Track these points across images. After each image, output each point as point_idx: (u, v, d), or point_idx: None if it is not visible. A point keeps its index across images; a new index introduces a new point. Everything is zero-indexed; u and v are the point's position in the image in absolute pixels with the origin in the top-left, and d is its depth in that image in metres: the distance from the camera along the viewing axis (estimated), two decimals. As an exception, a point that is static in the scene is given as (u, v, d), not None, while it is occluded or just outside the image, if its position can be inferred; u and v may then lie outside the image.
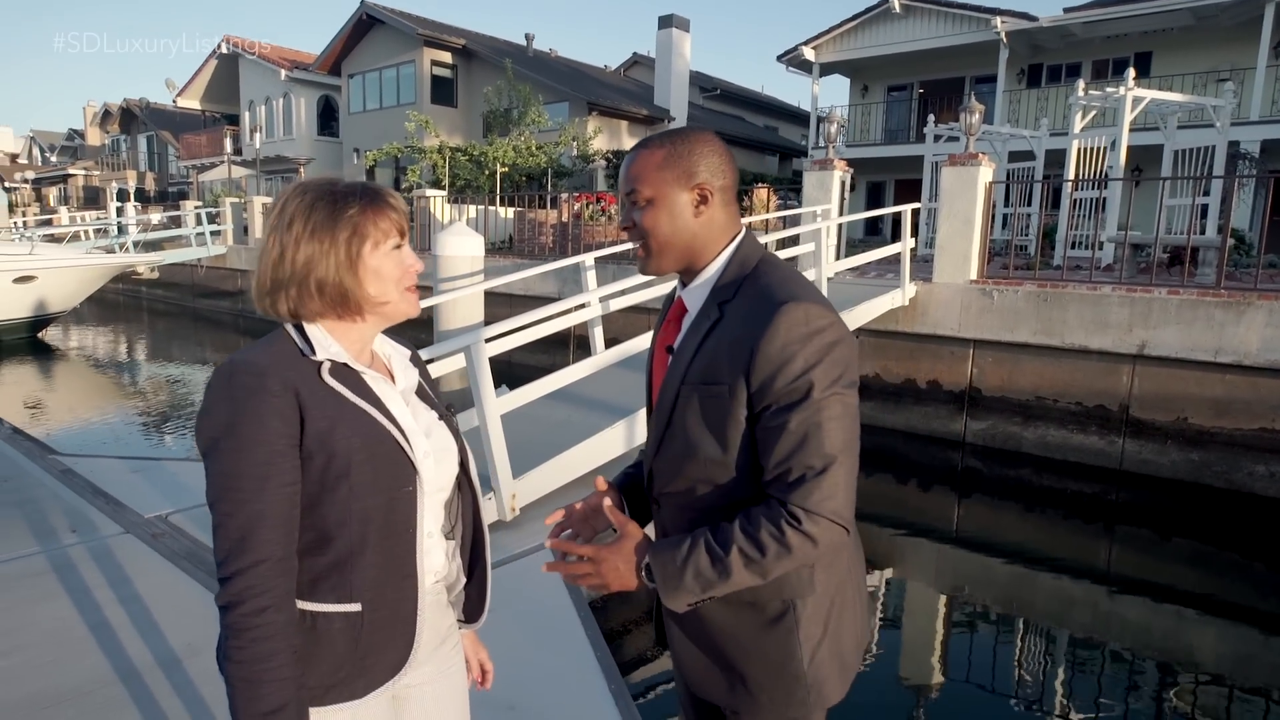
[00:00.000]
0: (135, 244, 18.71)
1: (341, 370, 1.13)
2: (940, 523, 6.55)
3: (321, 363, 1.11)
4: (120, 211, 22.69)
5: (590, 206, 12.67)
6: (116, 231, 19.72)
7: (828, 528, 1.09)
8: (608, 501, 1.26)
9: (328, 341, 1.14)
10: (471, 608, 1.37)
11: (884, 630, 4.49)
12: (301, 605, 1.10)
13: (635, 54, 29.53)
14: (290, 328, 1.14)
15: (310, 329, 1.14)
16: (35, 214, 30.10)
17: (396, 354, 1.28)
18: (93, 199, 34.37)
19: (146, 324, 18.37)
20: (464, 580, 1.34)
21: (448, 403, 1.33)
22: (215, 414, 1.04)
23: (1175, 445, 6.70)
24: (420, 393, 1.28)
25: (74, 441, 7.55)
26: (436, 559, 1.25)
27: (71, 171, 37.60)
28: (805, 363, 1.10)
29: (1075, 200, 10.14)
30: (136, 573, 3.26)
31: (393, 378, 1.23)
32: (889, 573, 5.43)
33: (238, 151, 26.11)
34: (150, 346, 15.08)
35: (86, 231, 20.20)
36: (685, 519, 1.24)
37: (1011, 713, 3.68)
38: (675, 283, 1.35)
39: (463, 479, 1.31)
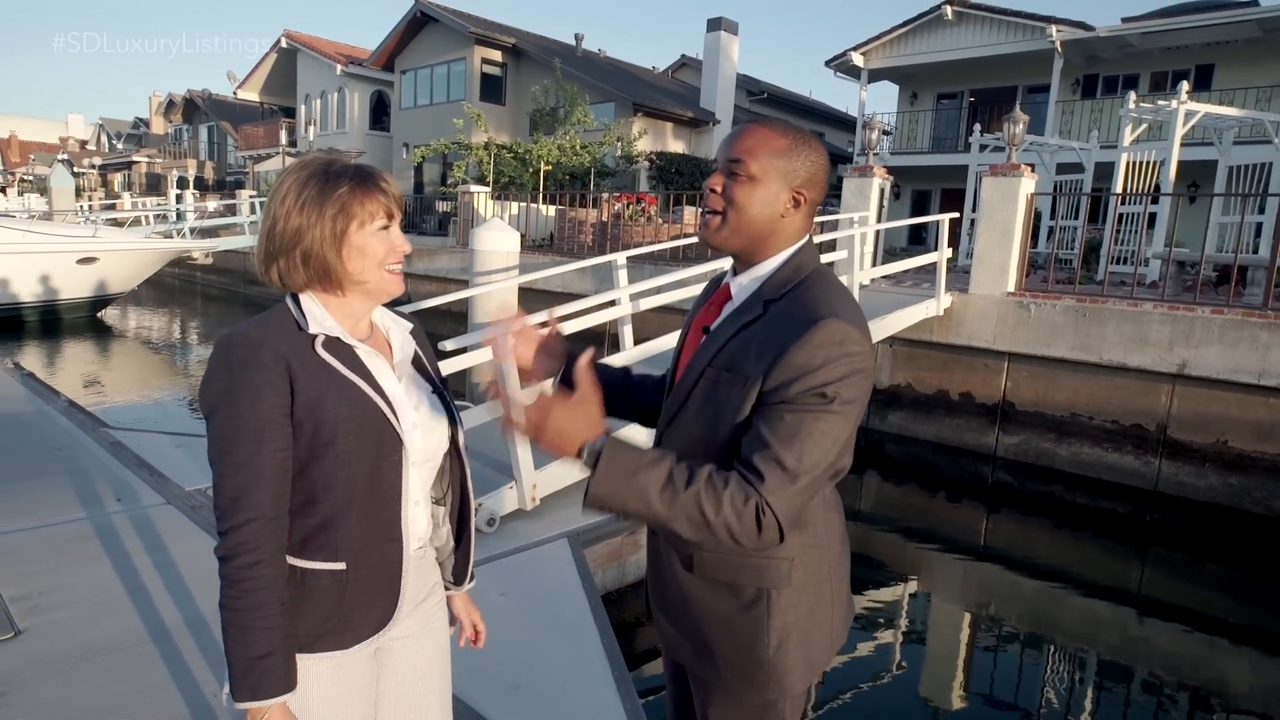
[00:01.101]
0: (192, 230, 19.37)
1: (334, 344, 1.21)
2: (968, 536, 6.49)
3: (315, 336, 1.19)
4: (179, 199, 23.54)
5: (631, 207, 12.77)
6: (175, 218, 20.44)
7: (772, 527, 1.10)
8: (588, 355, 1.20)
9: (322, 315, 1.21)
10: (459, 571, 1.44)
11: (906, 645, 4.48)
12: (293, 562, 1.19)
13: (684, 56, 29.58)
14: (289, 302, 1.23)
15: (306, 304, 1.22)
16: (100, 199, 31.34)
17: (396, 327, 1.35)
18: (154, 186, 35.60)
19: (199, 308, 19.01)
20: (453, 545, 1.42)
21: (444, 377, 1.42)
22: (214, 383, 1.14)
23: (1214, 468, 6.54)
24: (417, 365, 1.35)
25: (124, 416, 7.89)
26: (421, 525, 1.32)
27: (136, 159, 38.99)
28: (825, 377, 1.12)
29: (1121, 215, 9.91)
30: (174, 541, 3.43)
31: (391, 350, 1.31)
32: (914, 585, 5.40)
33: (293, 143, 26.83)
34: (201, 329, 15.61)
35: (147, 217, 20.97)
36: None
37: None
38: (709, 269, 1.39)
39: (453, 449, 1.38)
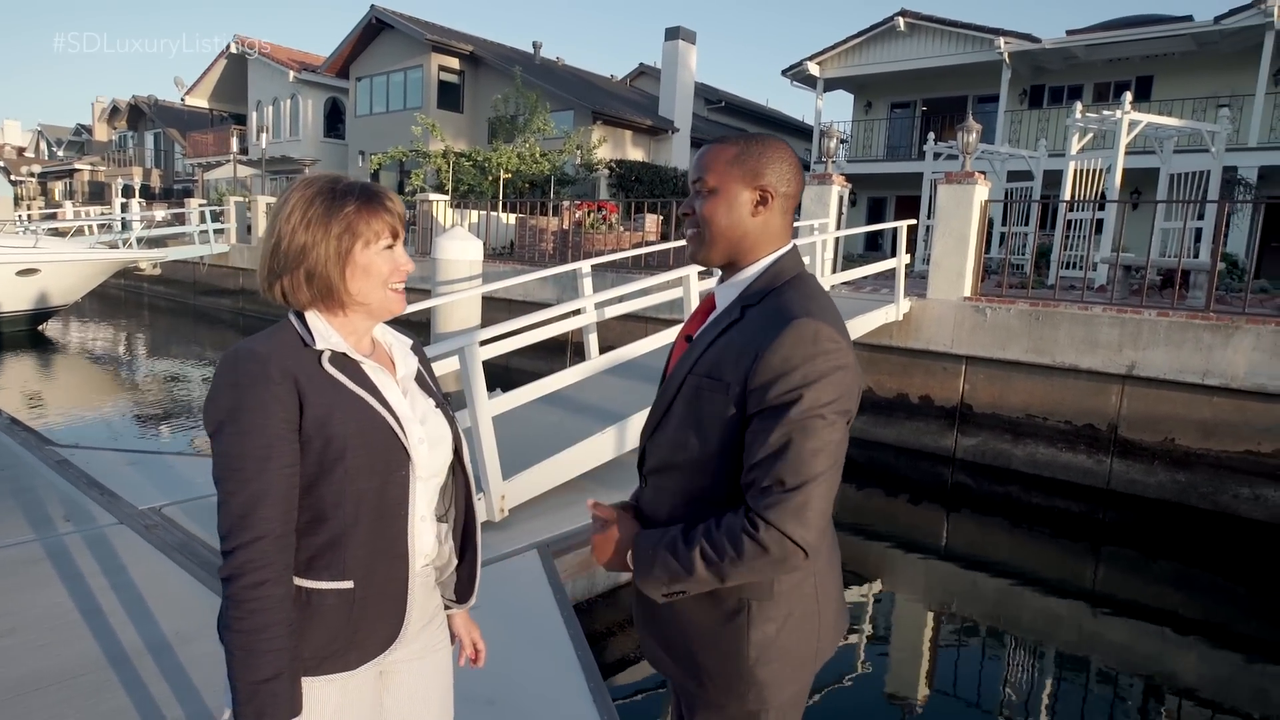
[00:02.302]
0: (139, 240, 18.81)
1: (341, 359, 1.20)
2: (929, 538, 6.59)
3: (322, 352, 1.18)
4: (125, 207, 22.84)
5: (592, 214, 12.77)
6: (120, 227, 19.83)
7: (781, 542, 1.10)
8: (591, 500, 1.36)
9: (328, 332, 1.20)
10: (462, 589, 1.43)
11: (869, 645, 4.52)
12: (298, 582, 1.17)
13: (641, 64, 29.74)
14: (293, 318, 1.21)
15: (311, 320, 1.20)
16: (40, 208, 30.27)
17: (398, 343, 1.35)
18: (98, 194, 34.51)
19: (147, 320, 18.45)
20: (455, 562, 1.41)
21: (446, 391, 1.40)
22: (221, 399, 1.11)
23: (1162, 466, 6.76)
24: (419, 381, 1.34)
25: (71, 433, 7.61)
26: (427, 541, 1.31)
27: (78, 166, 37.76)
28: (803, 378, 1.13)
29: (1070, 221, 10.23)
30: (129, 562, 3.31)
31: (394, 366, 1.30)
32: (876, 586, 5.47)
33: (244, 151, 26.28)
34: (149, 342, 15.15)
35: (91, 226, 20.29)
36: (664, 502, 1.31)
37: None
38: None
39: (456, 465, 1.37)
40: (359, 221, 1.18)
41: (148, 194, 31.84)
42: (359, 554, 1.19)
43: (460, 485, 1.39)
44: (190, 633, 2.74)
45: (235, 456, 1.09)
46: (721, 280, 1.36)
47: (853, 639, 4.52)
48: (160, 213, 21.66)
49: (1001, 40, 16.93)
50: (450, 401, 1.43)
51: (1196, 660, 4.60)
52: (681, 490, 1.28)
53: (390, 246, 1.22)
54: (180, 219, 20.68)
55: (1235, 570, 5.96)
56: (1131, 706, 4.04)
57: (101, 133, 40.26)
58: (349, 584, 1.19)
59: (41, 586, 3.05)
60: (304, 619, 1.17)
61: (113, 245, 17.75)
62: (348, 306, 1.21)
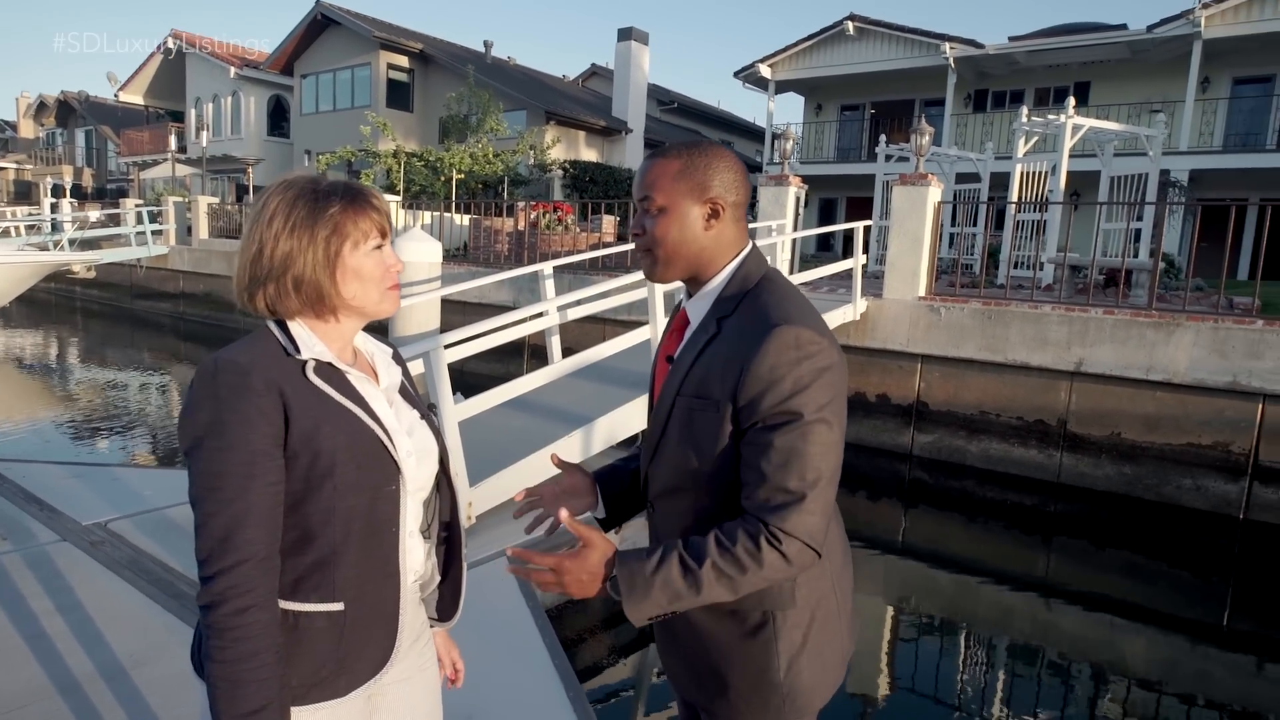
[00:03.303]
0: (71, 242, 18.00)
1: (326, 369, 1.13)
2: (887, 534, 6.69)
3: (306, 361, 1.11)
4: (55, 208, 21.83)
5: (547, 215, 12.67)
6: (50, 229, 18.95)
7: (801, 550, 1.11)
8: (564, 513, 1.19)
9: (311, 340, 1.13)
10: (445, 607, 1.37)
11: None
12: (284, 605, 1.10)
13: (594, 65, 29.69)
14: (273, 326, 1.13)
15: (294, 327, 1.13)
16: (-39, 208, 28.76)
17: (379, 352, 1.28)
18: (24, 194, 32.95)
19: (80, 325, 17.68)
20: (438, 579, 1.35)
21: (429, 402, 1.34)
22: (199, 413, 1.03)
23: (1109, 459, 6.98)
24: (403, 392, 1.28)
25: (3, 447, 7.23)
26: (417, 557, 1.25)
27: (1, 165, 36.04)
28: (794, 385, 1.12)
29: (1018, 222, 10.52)
30: (75, 582, 3.15)
31: (376, 376, 1.24)
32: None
33: (182, 149, 25.40)
34: (84, 349, 14.51)
35: (17, 228, 19.37)
36: (676, 526, 1.28)
37: (953, 720, 3.78)
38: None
39: (441, 478, 1.31)
40: (346, 222, 1.11)
41: (79, 194, 30.50)
42: (349, 574, 1.12)
43: (445, 498, 1.33)
44: (145, 655, 2.60)
45: (215, 474, 1.02)
46: (689, 294, 1.33)
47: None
48: (94, 213, 20.75)
49: (947, 45, 17.34)
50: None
51: (1144, 643, 4.76)
52: (691, 510, 1.25)
53: (379, 246, 1.16)
54: (115, 220, 19.85)
55: (1179, 557, 6.19)
56: (1083, 690, 4.15)
57: (27, 129, 38.47)
58: (339, 606, 1.12)
59: (-20, 610, 2.88)
60: (291, 644, 1.10)
61: (43, 247, 16.96)
62: (340, 311, 1.15)
